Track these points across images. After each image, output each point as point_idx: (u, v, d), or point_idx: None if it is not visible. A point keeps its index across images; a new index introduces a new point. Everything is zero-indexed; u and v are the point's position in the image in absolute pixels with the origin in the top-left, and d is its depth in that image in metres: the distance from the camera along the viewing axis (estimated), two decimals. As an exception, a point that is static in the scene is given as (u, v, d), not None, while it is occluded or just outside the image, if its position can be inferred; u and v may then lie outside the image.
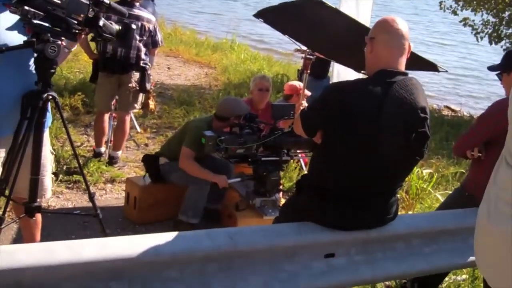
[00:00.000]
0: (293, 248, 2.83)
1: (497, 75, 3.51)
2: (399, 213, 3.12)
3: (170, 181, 4.63)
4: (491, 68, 3.54)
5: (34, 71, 2.93)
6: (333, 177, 2.84)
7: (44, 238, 3.51)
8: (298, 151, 4.72)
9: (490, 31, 13.05)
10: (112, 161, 5.73)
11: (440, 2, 13.52)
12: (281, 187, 4.78)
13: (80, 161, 3.46)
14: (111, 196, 5.15)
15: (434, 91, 14.64)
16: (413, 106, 2.73)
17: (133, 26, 3.38)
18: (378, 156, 2.73)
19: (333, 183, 2.84)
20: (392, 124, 2.70)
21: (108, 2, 3.00)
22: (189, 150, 4.38)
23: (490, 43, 13.13)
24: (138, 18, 5.40)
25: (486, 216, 2.04)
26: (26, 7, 2.65)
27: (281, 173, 5.24)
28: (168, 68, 11.21)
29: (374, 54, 2.82)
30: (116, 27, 3.16)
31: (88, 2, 2.91)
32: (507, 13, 12.68)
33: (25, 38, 2.85)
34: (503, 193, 1.97)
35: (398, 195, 5.50)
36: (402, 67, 2.80)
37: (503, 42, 12.87)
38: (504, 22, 12.77)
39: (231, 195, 4.73)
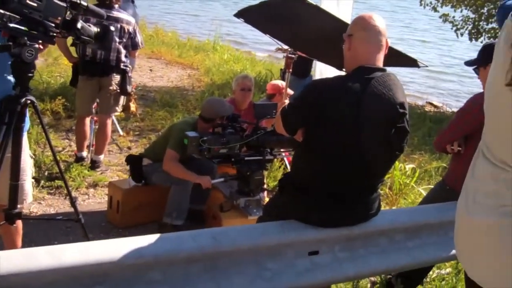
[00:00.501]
0: (277, 246, 2.83)
1: (474, 69, 3.53)
2: (382, 208, 3.14)
3: (153, 182, 4.63)
4: (468, 63, 3.55)
5: (11, 76, 2.90)
6: (315, 175, 2.84)
7: (26, 245, 3.48)
8: (281, 150, 4.72)
9: (470, 27, 13.15)
10: (94, 165, 5.68)
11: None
12: (265, 186, 4.78)
13: (62, 166, 3.43)
14: (94, 200, 5.12)
15: (416, 88, 14.74)
16: (392, 102, 2.75)
17: (112, 28, 3.36)
18: (359, 152, 2.75)
19: (315, 180, 2.84)
20: (371, 120, 2.71)
21: (85, 4, 2.97)
22: (174, 152, 4.37)
23: (470, 39, 13.23)
24: (117, 20, 5.37)
25: (465, 209, 2.06)
26: (2, 11, 2.60)
27: (266, 173, 5.24)
28: (150, 70, 11.17)
29: (352, 51, 2.84)
30: (94, 29, 3.13)
31: (65, 5, 2.88)
32: (486, 9, 12.78)
33: (0, 42, 2.81)
34: (481, 185, 2.00)
35: (382, 191, 5.58)
36: (380, 63, 2.82)
37: (482, 38, 12.97)
38: (483, 18, 12.86)
39: (215, 196, 4.72)
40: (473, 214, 2.01)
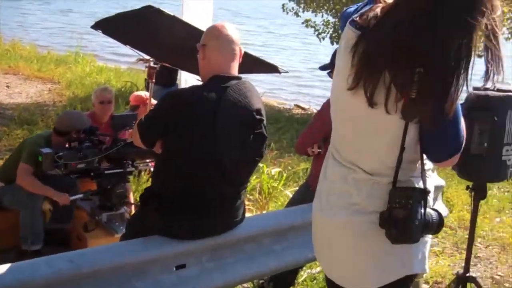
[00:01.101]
0: (141, 264, 2.74)
1: (328, 74, 3.65)
2: (253, 214, 3.15)
3: (5, 206, 4.33)
4: (322, 68, 3.67)
5: None
6: (176, 186, 2.80)
7: None
8: (147, 160, 4.62)
9: (331, 31, 13.69)
10: None
11: (283, 5, 13.98)
12: (132, 200, 4.64)
13: None
14: None
15: (283, 94, 15.14)
16: (248, 109, 2.78)
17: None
18: (219, 161, 2.74)
19: (176, 191, 2.80)
20: (229, 128, 2.73)
21: None
22: (27, 166, 4.11)
23: (332, 43, 13.77)
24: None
25: (319, 209, 2.12)
26: None
27: (133, 186, 5.10)
28: (7, 86, 10.55)
29: (206, 60, 2.84)
30: None
31: None
32: (345, 13, 13.36)
33: None
34: (333, 186, 2.06)
35: (251, 196, 5.64)
36: (234, 71, 2.85)
37: (343, 41, 13.53)
38: (343, 22, 13.44)
39: (79, 215, 4.49)
40: (327, 214, 2.07)
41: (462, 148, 1.87)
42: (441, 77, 1.71)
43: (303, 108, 13.44)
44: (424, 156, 1.91)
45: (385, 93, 1.76)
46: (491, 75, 1.74)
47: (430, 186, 1.97)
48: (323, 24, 13.73)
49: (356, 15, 1.87)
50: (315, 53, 22.27)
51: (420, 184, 1.91)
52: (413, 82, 1.70)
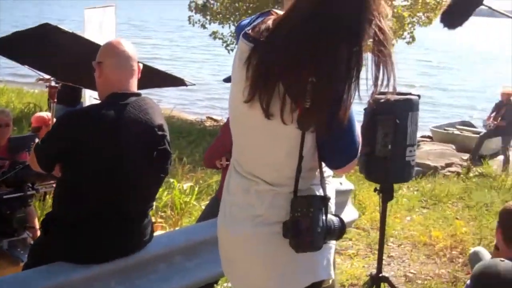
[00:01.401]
0: (44, 293, 2.61)
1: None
2: (166, 231, 3.08)
3: None
4: (226, 80, 3.67)
5: None
6: (80, 208, 2.69)
7: None
8: (49, 182, 4.46)
9: (239, 42, 13.76)
10: None
11: (189, 17, 13.94)
12: (36, 224, 4.45)
13: None
14: None
15: (196, 108, 15.09)
16: (150, 125, 2.73)
17: None
18: (122, 179, 2.68)
19: (78, 215, 2.69)
20: (130, 146, 2.67)
21: None
22: None
23: (241, 53, 13.84)
24: None
25: (223, 223, 2.10)
26: None
27: (38, 211, 4.89)
28: None
29: (103, 78, 2.77)
30: None
31: None
32: (251, 25, 13.48)
33: None
34: (235, 198, 2.05)
35: (164, 213, 5.55)
36: (133, 88, 2.79)
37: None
38: (249, 33, 13.56)
39: (-20, 245, 4.26)
40: (231, 228, 2.05)
41: (358, 154, 1.91)
42: (333, 86, 1.74)
43: (215, 120, 13.47)
44: (323, 164, 1.93)
45: (280, 104, 1.77)
46: (381, 82, 1.78)
47: (331, 192, 2.00)
48: (230, 36, 13.78)
49: (248, 28, 1.87)
50: (224, 65, 22.34)
51: (321, 192, 1.93)
52: (306, 92, 1.71)
